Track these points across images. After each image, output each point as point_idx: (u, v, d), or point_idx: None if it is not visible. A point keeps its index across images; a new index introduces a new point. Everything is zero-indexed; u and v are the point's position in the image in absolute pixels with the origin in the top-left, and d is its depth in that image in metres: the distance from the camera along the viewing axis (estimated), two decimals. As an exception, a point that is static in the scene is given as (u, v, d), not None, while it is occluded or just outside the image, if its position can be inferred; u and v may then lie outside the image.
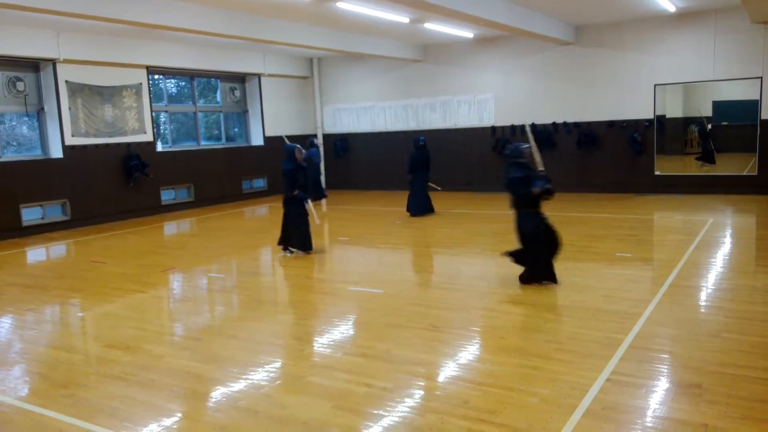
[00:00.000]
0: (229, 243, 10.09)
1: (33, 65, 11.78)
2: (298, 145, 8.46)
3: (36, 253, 10.11)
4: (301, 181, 8.33)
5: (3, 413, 4.03)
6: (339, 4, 10.11)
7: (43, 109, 11.96)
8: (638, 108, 13.22)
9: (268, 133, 16.18)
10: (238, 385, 4.30)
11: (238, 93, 16.09)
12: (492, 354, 4.71)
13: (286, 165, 8.34)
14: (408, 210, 11.85)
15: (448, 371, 4.43)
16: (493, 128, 14.89)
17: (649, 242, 9.04)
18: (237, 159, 15.52)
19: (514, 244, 8.88)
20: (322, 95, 17.45)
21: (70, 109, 11.96)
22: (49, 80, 11.78)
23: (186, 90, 15.20)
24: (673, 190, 13.07)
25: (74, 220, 12.06)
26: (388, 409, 3.80)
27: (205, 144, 15.43)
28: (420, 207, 11.73)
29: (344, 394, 4.05)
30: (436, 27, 12.41)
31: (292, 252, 8.53)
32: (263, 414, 3.83)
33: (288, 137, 16.40)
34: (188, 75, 14.81)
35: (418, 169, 11.67)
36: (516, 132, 14.59)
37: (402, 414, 3.73)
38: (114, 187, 12.78)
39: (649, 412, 3.62)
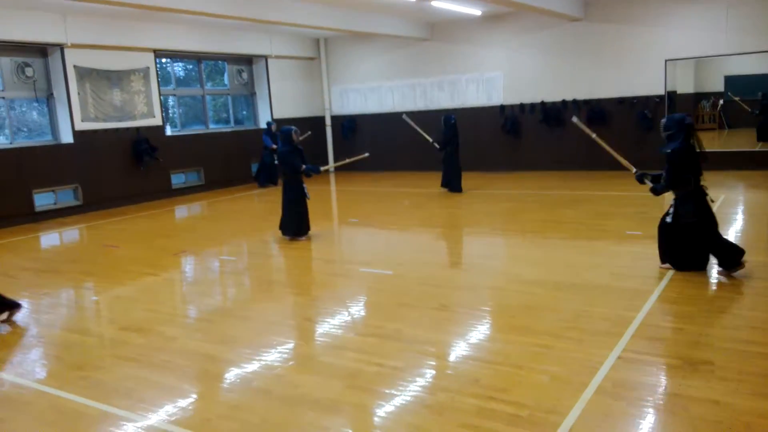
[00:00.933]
0: (240, 225, 10.13)
1: (41, 50, 11.79)
2: (294, 127, 8.43)
3: (49, 238, 10.21)
4: (298, 162, 8.23)
5: (21, 395, 4.11)
6: (345, -17, 10.01)
7: (52, 94, 11.99)
8: (648, 84, 13.06)
9: (276, 116, 16.15)
10: (251, 366, 4.35)
11: (245, 75, 16.04)
12: (502, 333, 4.73)
13: (282, 147, 8.30)
14: (449, 186, 11.94)
15: (458, 350, 4.46)
16: (502, 107, 14.78)
17: (658, 219, 8.96)
18: (246, 141, 15.52)
19: (525, 225, 8.80)
20: (330, 76, 17.36)
21: (78, 93, 11.98)
22: (57, 65, 11.79)
23: (193, 73, 15.17)
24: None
25: (86, 205, 12.15)
26: (400, 388, 3.84)
27: (213, 127, 15.44)
28: (459, 183, 11.96)
29: (355, 373, 4.09)
30: (443, 4, 12.27)
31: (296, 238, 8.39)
32: (276, 394, 3.87)
33: (295, 120, 16.43)
34: (195, 58, 14.78)
35: (452, 146, 11.86)
36: (525, 110, 14.47)
37: (413, 393, 3.77)
38: (124, 172, 12.84)
39: (660, 390, 3.63)
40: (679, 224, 5.83)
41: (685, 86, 15.59)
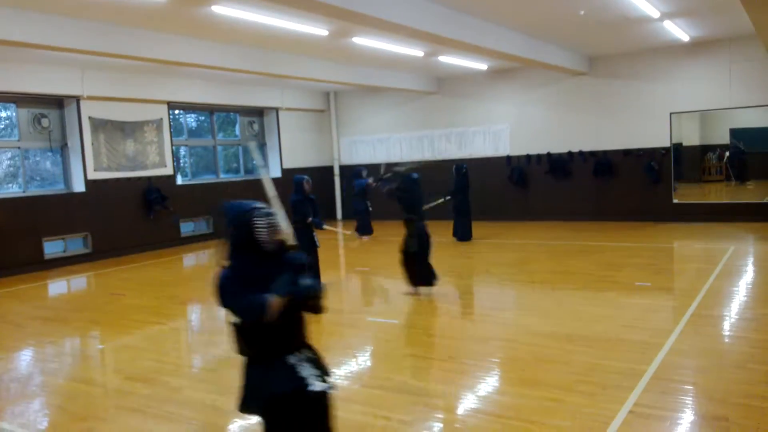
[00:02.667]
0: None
1: (57, 102, 12.10)
2: (306, 176, 8.49)
3: (57, 286, 10.23)
4: (308, 212, 8.25)
5: (23, 446, 4.05)
6: (355, 39, 10.30)
7: (66, 144, 12.23)
8: (654, 136, 13.19)
9: (286, 165, 16.36)
10: (256, 417, 4.27)
11: (256, 126, 16.34)
12: (512, 386, 4.65)
13: (294, 196, 8.33)
14: (458, 235, 12.04)
15: (467, 403, 4.38)
16: (509, 158, 14.93)
17: (669, 271, 8.93)
18: (256, 191, 15.62)
19: (534, 276, 8.80)
20: (339, 127, 17.65)
21: (93, 144, 12.22)
22: (73, 116, 12.07)
23: (206, 124, 15.47)
24: (691, 218, 12.93)
25: (95, 253, 12.21)
26: (407, 442, 3.76)
27: (224, 177, 15.63)
28: (469, 231, 12.14)
29: (363, 427, 4.02)
30: (450, 60, 12.58)
31: None
32: (281, 447, 3.79)
33: (305, 169, 16.61)
34: (208, 110, 15.10)
35: (463, 195, 12.10)
36: (531, 161, 14.60)
37: (421, 447, 3.69)
38: (135, 220, 12.95)
39: (674, 446, 3.54)
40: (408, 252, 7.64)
41: (691, 138, 15.75)
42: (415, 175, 8.26)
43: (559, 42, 11.81)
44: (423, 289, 7.63)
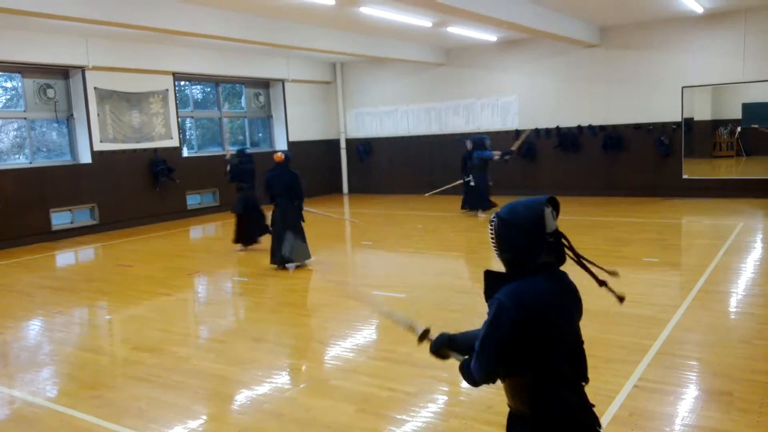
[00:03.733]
0: (253, 247, 10.15)
1: (63, 72, 12.03)
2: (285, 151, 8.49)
3: (65, 257, 10.30)
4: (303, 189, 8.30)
5: (33, 413, 4.11)
6: (362, 9, 10.15)
7: (72, 115, 12.20)
8: (665, 110, 13.02)
9: (292, 138, 16.29)
10: (263, 388, 4.32)
11: (262, 98, 16.23)
12: (516, 359, 4.65)
13: (295, 172, 8.26)
14: (479, 207, 12.06)
15: (472, 376, 4.40)
16: (517, 131, 14.80)
17: (677, 246, 8.89)
18: (262, 164, 15.60)
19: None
20: (345, 99, 17.52)
21: (98, 115, 12.18)
22: (78, 87, 12.02)
23: (211, 96, 15.38)
24: (701, 193, 12.82)
25: (102, 224, 12.26)
26: (412, 413, 3.79)
27: (230, 149, 15.56)
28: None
29: (367, 397, 4.05)
30: (458, 30, 12.39)
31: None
32: (287, 417, 3.84)
33: (311, 142, 16.55)
34: (213, 81, 14.99)
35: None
36: (540, 135, 14.48)
37: (426, 419, 3.72)
38: (141, 192, 12.97)
39: (678, 420, 3.55)
40: None
41: (702, 113, 15.56)
42: None
43: (570, 12, 11.60)
44: None
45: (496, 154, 11.85)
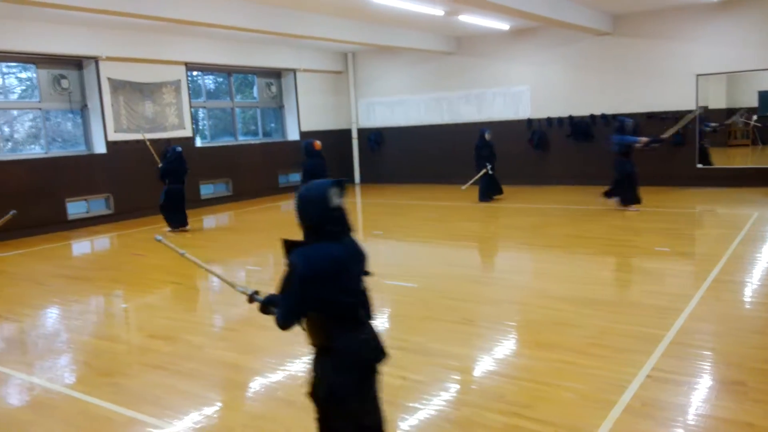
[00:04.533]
0: (266, 236, 10.22)
1: (77, 63, 12.11)
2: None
3: (81, 246, 10.41)
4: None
5: (51, 400, 4.19)
6: (373, -2, 10.10)
7: (86, 105, 12.29)
8: (679, 99, 12.88)
9: (304, 129, 16.30)
10: (276, 376, 4.36)
11: (274, 88, 16.25)
12: (527, 348, 4.67)
13: (320, 160, 8.36)
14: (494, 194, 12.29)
15: (482, 365, 4.42)
16: (529, 121, 14.72)
17: (690, 236, 8.83)
18: (273, 154, 15.69)
19: (551, 240, 8.84)
20: (357, 89, 17.49)
21: (112, 105, 12.26)
22: (92, 77, 12.09)
23: (224, 86, 15.42)
24: (715, 183, 12.71)
25: (117, 214, 12.37)
26: (424, 402, 3.82)
27: (242, 139, 15.64)
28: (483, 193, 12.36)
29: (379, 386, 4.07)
30: (470, 19, 12.30)
31: None
32: (300, 404, 3.87)
33: (322, 132, 16.56)
34: (226, 71, 15.02)
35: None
36: (553, 124, 14.39)
37: (437, 407, 3.74)
38: (155, 182, 13.02)
39: (691, 410, 3.55)
40: None
41: (717, 101, 15.36)
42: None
43: (582, 1, 11.48)
44: None
45: (643, 141, 10.33)
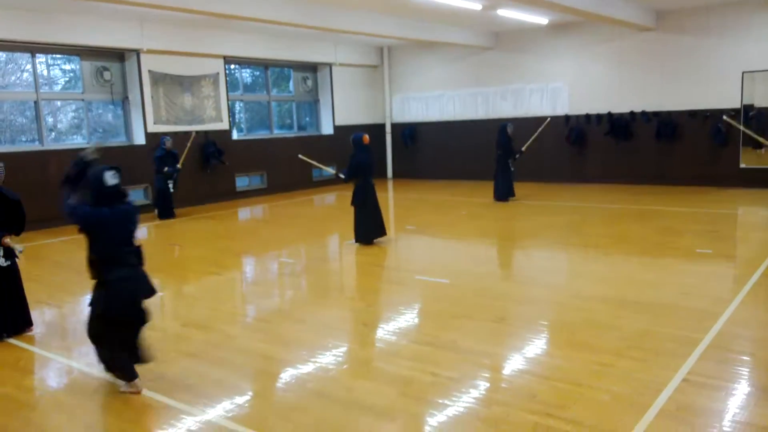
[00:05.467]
0: (300, 229, 10.30)
1: (119, 55, 12.38)
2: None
3: (119, 235, 10.64)
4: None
5: (89, 384, 4.30)
6: (411, -8, 10.06)
7: (127, 97, 12.56)
8: (723, 97, 12.52)
9: (338, 122, 16.36)
10: (307, 368, 4.40)
11: (309, 82, 16.34)
12: (561, 349, 4.61)
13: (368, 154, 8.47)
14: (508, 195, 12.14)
15: (514, 364, 4.38)
16: (567, 117, 14.49)
17: (731, 238, 8.59)
18: (308, 147, 15.74)
19: (588, 239, 8.70)
20: (392, 84, 17.46)
21: (152, 97, 12.50)
22: (133, 70, 12.34)
23: (260, 79, 15.57)
24: (760, 184, 12.32)
25: (154, 205, 12.61)
26: (454, 398, 3.80)
27: (277, 132, 15.78)
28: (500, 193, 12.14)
29: (410, 381, 4.08)
30: (509, 14, 12.15)
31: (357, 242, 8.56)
32: (330, 396, 3.91)
33: (357, 126, 16.58)
34: (262, 65, 15.17)
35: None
36: (591, 121, 14.14)
37: (467, 404, 3.73)
38: (192, 174, 13.28)
39: (728, 416, 3.46)
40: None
41: (764, 100, 14.89)
42: None
43: (625, -5, 11.25)
44: None
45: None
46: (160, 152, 11.45)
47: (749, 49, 12.11)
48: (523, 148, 12.14)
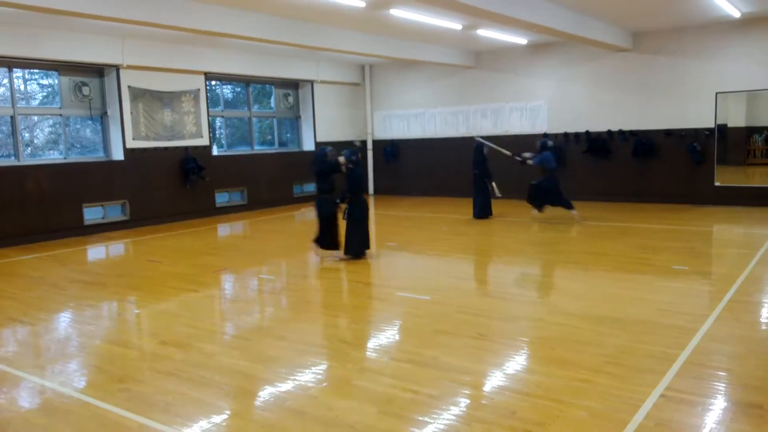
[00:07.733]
0: (280, 245, 10.25)
1: (98, 71, 12.29)
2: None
3: (96, 251, 10.51)
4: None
5: (63, 404, 4.21)
6: (392, 11, 10.17)
7: (106, 113, 12.46)
8: (698, 117, 12.79)
9: (320, 139, 16.39)
10: (286, 386, 4.36)
11: (291, 99, 16.37)
12: (540, 365, 4.62)
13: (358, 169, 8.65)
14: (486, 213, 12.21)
15: (495, 381, 4.38)
16: (546, 135, 14.65)
17: (707, 255, 8.72)
18: (289, 164, 15.78)
19: (567, 256, 8.79)
20: (373, 101, 17.56)
21: (131, 113, 12.42)
22: (113, 85, 12.26)
23: (241, 96, 15.56)
24: (734, 201, 12.57)
25: (133, 220, 12.49)
26: (434, 416, 3.78)
27: (258, 149, 15.75)
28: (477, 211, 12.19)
29: (390, 399, 4.05)
30: (489, 33, 12.33)
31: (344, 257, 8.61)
32: (310, 415, 3.87)
33: (338, 143, 16.62)
34: (244, 81, 15.17)
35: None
36: (569, 139, 14.33)
37: (448, 422, 3.71)
38: (171, 189, 13.17)
39: (705, 431, 3.49)
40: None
41: (736, 120, 15.24)
42: None
43: (603, 17, 11.47)
44: None
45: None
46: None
47: (723, 70, 12.41)
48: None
